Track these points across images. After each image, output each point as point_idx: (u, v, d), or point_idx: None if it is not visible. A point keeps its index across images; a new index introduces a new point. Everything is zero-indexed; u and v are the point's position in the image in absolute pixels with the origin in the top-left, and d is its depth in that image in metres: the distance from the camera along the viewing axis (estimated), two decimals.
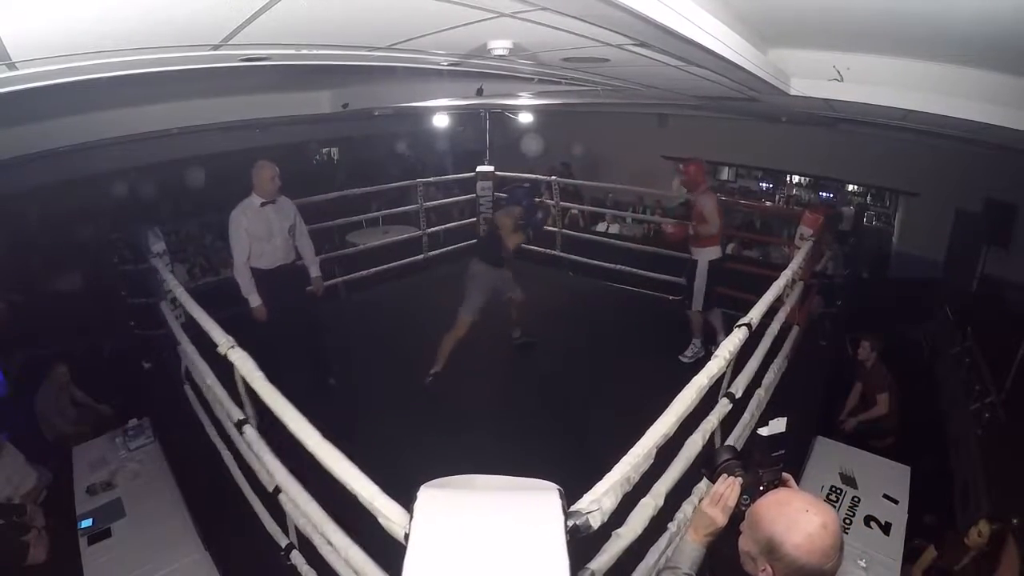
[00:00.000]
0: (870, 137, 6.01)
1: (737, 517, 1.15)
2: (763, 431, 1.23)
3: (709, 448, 1.30)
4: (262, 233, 3.43)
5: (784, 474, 1.20)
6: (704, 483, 2.19)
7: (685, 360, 4.20)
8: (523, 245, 4.19)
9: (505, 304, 4.30)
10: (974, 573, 2.54)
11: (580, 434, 3.27)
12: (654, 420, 1.72)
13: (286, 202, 3.59)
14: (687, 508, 2.07)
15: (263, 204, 3.42)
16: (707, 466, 1.27)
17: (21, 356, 4.55)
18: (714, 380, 2.07)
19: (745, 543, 1.06)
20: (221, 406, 2.50)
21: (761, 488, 1.15)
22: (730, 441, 2.52)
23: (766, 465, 1.19)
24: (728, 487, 1.18)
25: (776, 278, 2.99)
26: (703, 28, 1.25)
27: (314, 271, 3.81)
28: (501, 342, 4.41)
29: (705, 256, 4.03)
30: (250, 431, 2.22)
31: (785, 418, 1.27)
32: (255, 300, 3.42)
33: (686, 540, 1.24)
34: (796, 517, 0.99)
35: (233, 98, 4.07)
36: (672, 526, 2.03)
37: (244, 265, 3.40)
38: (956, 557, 2.61)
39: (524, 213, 4.10)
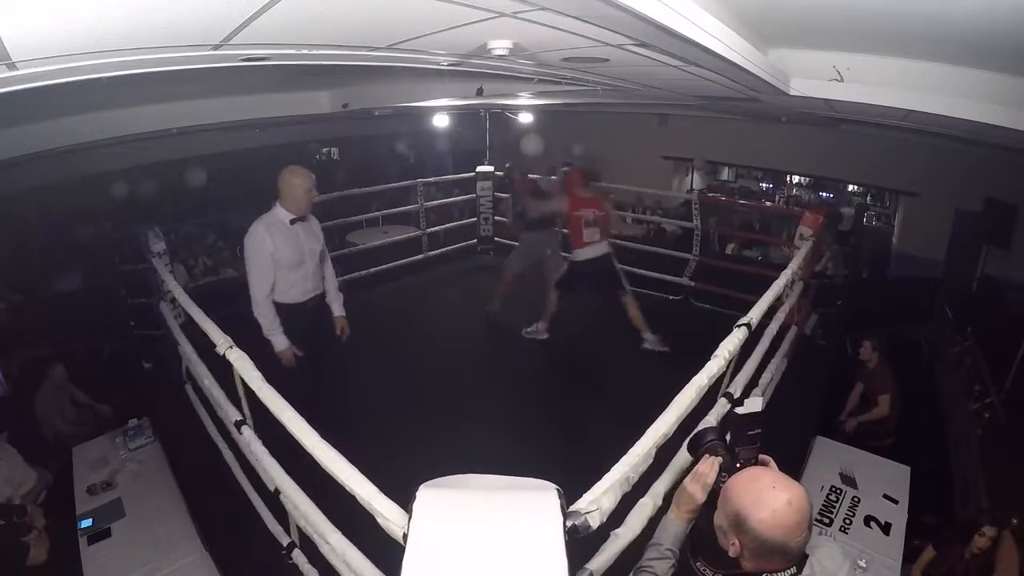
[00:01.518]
0: (870, 137, 6.01)
1: (715, 494, 1.18)
2: (740, 410, 1.26)
3: (702, 434, 1.33)
4: (292, 259, 2.76)
5: (764, 456, 1.22)
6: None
7: (523, 334, 4.51)
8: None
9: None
10: (973, 572, 2.54)
11: (579, 434, 3.27)
12: (653, 420, 1.72)
13: (314, 220, 2.97)
14: None
15: (293, 221, 2.77)
16: (692, 446, 1.31)
17: (21, 356, 4.55)
18: (714, 380, 2.06)
19: (718, 517, 1.10)
20: (221, 406, 2.50)
21: (738, 466, 1.19)
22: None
23: (743, 444, 1.23)
24: (708, 466, 1.23)
25: (776, 278, 2.99)
26: (703, 28, 1.25)
27: (337, 309, 3.13)
28: (500, 342, 4.41)
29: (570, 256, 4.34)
30: (248, 432, 2.22)
31: (761, 397, 1.29)
32: (281, 341, 2.73)
33: (669, 518, 1.29)
34: (763, 493, 1.02)
35: (233, 98, 4.07)
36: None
37: (267, 299, 2.71)
38: (955, 557, 2.61)
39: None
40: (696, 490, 1.22)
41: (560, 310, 4.43)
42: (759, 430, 1.24)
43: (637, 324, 4.33)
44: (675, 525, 1.27)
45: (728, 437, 1.29)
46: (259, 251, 2.67)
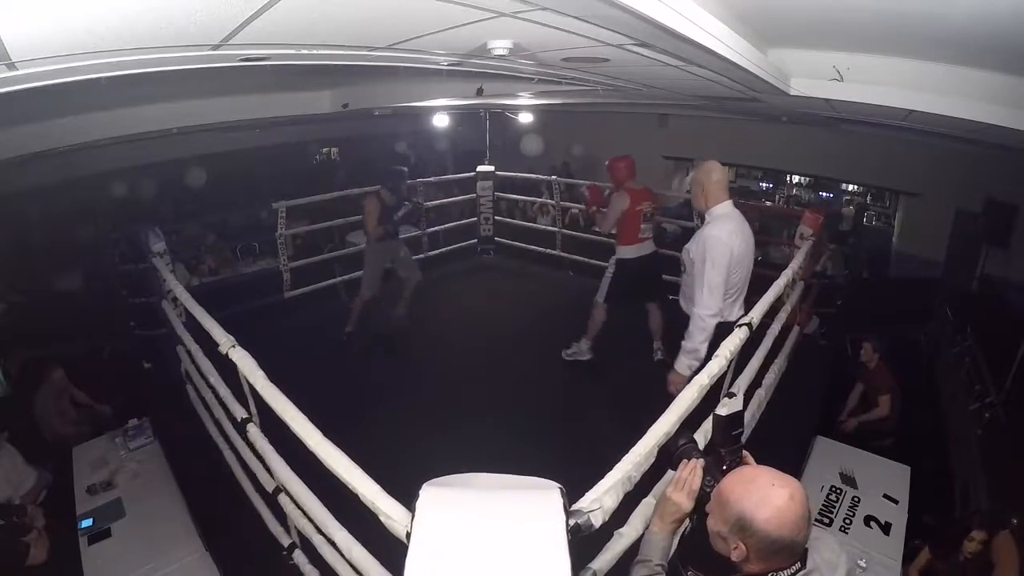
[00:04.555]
0: (870, 137, 6.01)
1: (702, 499, 1.15)
2: (721, 411, 1.23)
3: (672, 441, 1.30)
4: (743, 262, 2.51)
5: (743, 451, 1.20)
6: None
7: (564, 356, 4.19)
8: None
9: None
10: (970, 573, 2.54)
11: (581, 433, 3.27)
12: (655, 419, 1.72)
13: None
14: None
15: None
16: (664, 456, 1.26)
17: (21, 356, 4.55)
18: (715, 380, 2.06)
19: (715, 523, 1.06)
20: (223, 405, 2.50)
21: (724, 468, 1.15)
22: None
23: (727, 445, 1.19)
24: (690, 471, 1.18)
25: (776, 278, 2.98)
26: (703, 28, 1.25)
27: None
28: (500, 343, 4.41)
29: (617, 254, 4.02)
30: (253, 430, 2.22)
31: (741, 397, 1.27)
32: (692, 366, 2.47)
33: (652, 531, 1.23)
34: (764, 492, 1.00)
35: (233, 98, 4.07)
36: None
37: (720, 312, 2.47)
38: (951, 559, 2.61)
39: (392, 199, 4.22)
40: (682, 498, 1.17)
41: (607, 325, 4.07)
42: (741, 429, 1.22)
43: (655, 333, 4.11)
44: (661, 538, 1.21)
45: (705, 439, 1.26)
46: (725, 253, 2.39)
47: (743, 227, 2.52)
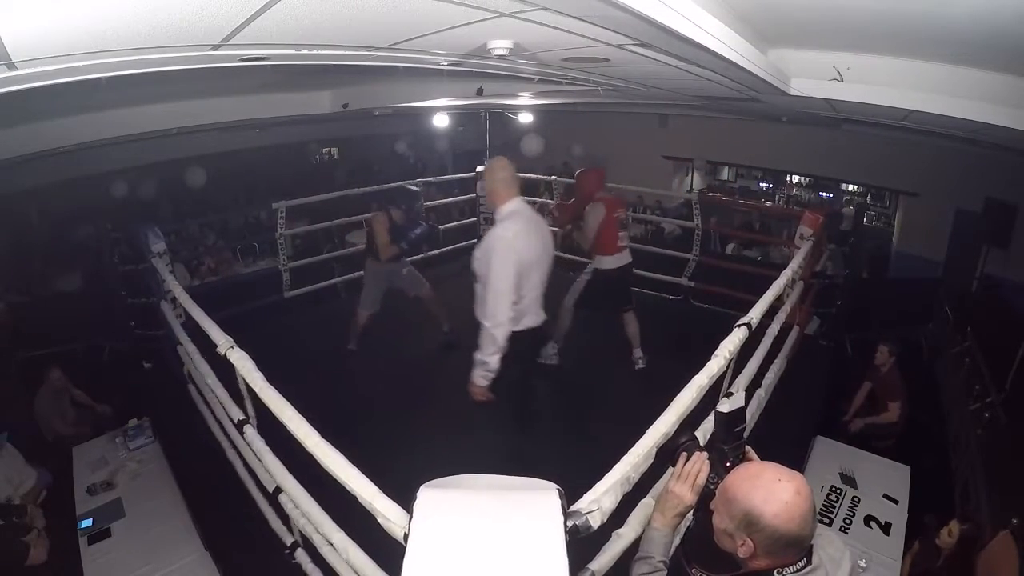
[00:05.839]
0: (870, 137, 6.02)
1: (706, 497, 1.14)
2: (723, 407, 1.22)
3: (673, 439, 1.28)
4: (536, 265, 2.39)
5: (746, 447, 1.20)
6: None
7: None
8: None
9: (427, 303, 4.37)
10: (948, 573, 2.52)
11: (580, 434, 3.26)
12: (654, 420, 1.72)
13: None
14: None
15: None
16: (665, 453, 1.26)
17: (21, 356, 4.55)
18: (714, 380, 2.06)
19: (720, 520, 1.05)
20: (222, 406, 2.50)
21: (728, 464, 1.15)
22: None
23: (729, 442, 1.18)
24: (695, 464, 1.17)
25: (776, 278, 2.98)
26: (703, 28, 1.25)
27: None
28: None
29: (595, 263, 3.97)
30: (250, 431, 2.22)
31: (743, 392, 1.26)
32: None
33: (653, 527, 1.22)
34: (770, 487, 0.99)
35: (233, 98, 4.07)
36: None
37: (509, 321, 2.33)
38: (934, 557, 2.60)
39: (404, 218, 4.03)
40: (684, 491, 1.16)
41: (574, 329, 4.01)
42: (743, 425, 1.22)
43: (633, 341, 4.11)
44: (663, 534, 1.20)
45: (707, 437, 1.25)
46: (508, 254, 2.26)
47: (534, 226, 2.36)
